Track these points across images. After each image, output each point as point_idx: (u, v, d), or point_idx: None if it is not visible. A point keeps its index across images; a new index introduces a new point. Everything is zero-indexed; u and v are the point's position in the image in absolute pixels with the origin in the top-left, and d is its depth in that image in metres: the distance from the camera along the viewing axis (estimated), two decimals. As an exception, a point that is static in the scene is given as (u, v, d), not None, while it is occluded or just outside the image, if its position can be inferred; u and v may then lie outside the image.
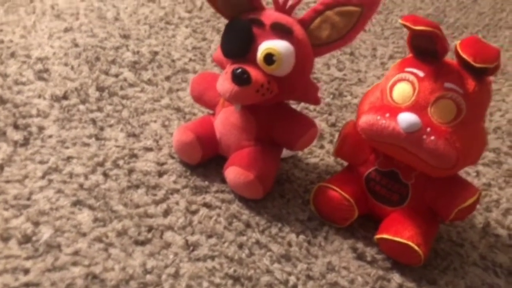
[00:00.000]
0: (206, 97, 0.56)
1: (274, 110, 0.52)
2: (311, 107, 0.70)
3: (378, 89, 0.49)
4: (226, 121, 0.53)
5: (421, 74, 0.46)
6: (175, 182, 0.52)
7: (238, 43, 0.49)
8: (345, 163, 0.57)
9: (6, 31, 0.68)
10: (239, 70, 0.47)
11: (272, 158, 0.53)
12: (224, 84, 0.48)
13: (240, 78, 0.47)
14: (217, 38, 0.80)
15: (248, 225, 0.49)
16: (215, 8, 0.52)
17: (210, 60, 0.74)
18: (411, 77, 0.46)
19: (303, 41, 0.49)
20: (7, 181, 0.47)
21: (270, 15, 0.49)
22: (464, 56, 0.43)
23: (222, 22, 0.85)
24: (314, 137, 0.53)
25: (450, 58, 0.47)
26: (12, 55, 0.64)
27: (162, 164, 0.54)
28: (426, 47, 0.46)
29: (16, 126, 0.53)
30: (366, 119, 0.46)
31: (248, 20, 0.49)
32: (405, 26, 0.45)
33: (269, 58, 0.47)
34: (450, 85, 0.45)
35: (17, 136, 0.52)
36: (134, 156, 0.54)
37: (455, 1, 1.18)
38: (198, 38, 0.79)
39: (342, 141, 0.52)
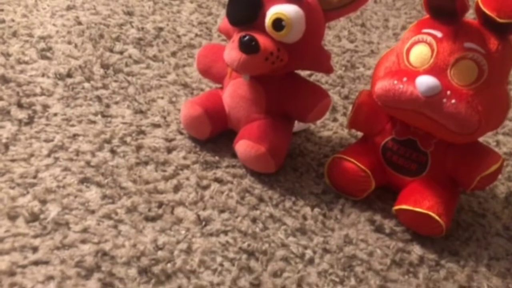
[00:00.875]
0: (213, 70, 0.54)
1: (284, 81, 0.50)
2: (323, 79, 0.67)
3: (393, 53, 0.47)
4: (234, 94, 0.51)
5: (439, 34, 0.43)
6: (184, 158, 0.50)
7: (245, 9, 0.46)
8: (360, 135, 0.55)
9: (7, 10, 0.66)
10: (247, 37, 0.45)
11: (284, 130, 0.51)
12: (231, 53, 0.46)
13: (247, 46, 0.45)
14: (223, 13, 0.78)
15: (261, 199, 0.48)
16: (220, -25, 0.49)
17: (217, 35, 0.72)
18: (429, 39, 0.44)
19: (313, 5, 0.47)
20: (13, 160, 0.46)
21: (278, -21, 0.47)
22: (487, 11, 0.40)
23: (228, -3, 0.82)
24: (327, 108, 0.51)
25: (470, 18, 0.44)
26: (14, 34, 0.62)
27: (171, 140, 0.52)
28: (443, 6, 0.43)
29: (20, 105, 0.52)
30: (382, 85, 0.44)
31: (255, -14, 0.47)
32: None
33: (278, 23, 0.45)
34: (470, 45, 0.42)
35: (22, 115, 0.50)
36: (141, 132, 0.52)
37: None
38: (204, 13, 0.77)
39: (356, 111, 0.50)
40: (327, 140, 0.57)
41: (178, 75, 0.62)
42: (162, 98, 0.58)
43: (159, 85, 0.60)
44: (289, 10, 0.45)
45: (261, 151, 0.48)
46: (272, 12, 0.45)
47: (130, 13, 0.72)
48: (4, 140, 0.47)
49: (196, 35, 0.71)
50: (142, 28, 0.69)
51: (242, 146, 0.49)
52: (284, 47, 0.46)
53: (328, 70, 0.50)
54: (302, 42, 0.47)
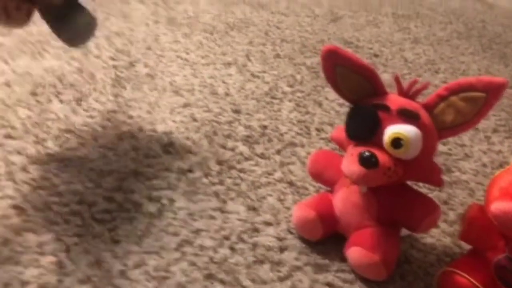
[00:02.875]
0: (325, 176, 0.58)
1: (395, 191, 0.53)
2: (420, 183, 0.69)
3: (509, 173, 0.49)
4: (346, 200, 0.54)
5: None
6: (296, 258, 0.53)
7: (366, 127, 0.51)
8: (464, 245, 0.55)
9: (134, 107, 0.75)
10: (367, 153, 0.49)
11: (394, 239, 0.53)
12: (351, 166, 0.50)
13: (368, 161, 0.48)
14: (318, 111, 0.83)
15: (373, 307, 0.49)
16: (338, 92, 0.55)
17: (315, 133, 0.77)
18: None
19: (429, 126, 0.50)
20: (147, 252, 0.51)
21: (395, 100, 0.51)
22: None
23: (322, 96, 0.88)
24: (437, 219, 0.53)
25: None
26: (140, 129, 0.70)
27: (282, 239, 0.56)
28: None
29: (150, 198, 0.57)
30: (500, 206, 0.45)
31: (373, 105, 0.51)
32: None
33: (397, 142, 0.49)
34: None
35: (152, 208, 0.56)
36: (255, 230, 0.56)
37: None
38: (302, 111, 0.83)
39: (468, 226, 0.51)
40: (431, 247, 0.58)
41: (283, 173, 0.67)
42: (271, 195, 0.62)
43: (267, 183, 0.64)
44: (408, 131, 0.49)
45: (374, 260, 0.50)
46: (391, 131, 0.49)
47: (237, 111, 0.79)
48: (139, 233, 0.53)
49: (297, 133, 0.76)
50: (249, 126, 0.75)
51: (355, 253, 0.51)
52: (399, 162, 0.50)
53: (438, 183, 0.53)
54: (418, 158, 0.50)
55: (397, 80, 0.53)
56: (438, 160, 0.76)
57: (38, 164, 0.59)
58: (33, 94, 0.73)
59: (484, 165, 0.76)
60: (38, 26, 0.76)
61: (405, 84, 0.53)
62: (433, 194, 0.68)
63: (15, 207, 0.53)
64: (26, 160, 0.59)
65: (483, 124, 0.88)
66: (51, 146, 0.63)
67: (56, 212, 0.53)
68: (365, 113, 0.51)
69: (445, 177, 0.72)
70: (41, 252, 0.48)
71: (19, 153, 0.61)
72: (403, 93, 0.52)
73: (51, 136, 0.65)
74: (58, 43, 0.72)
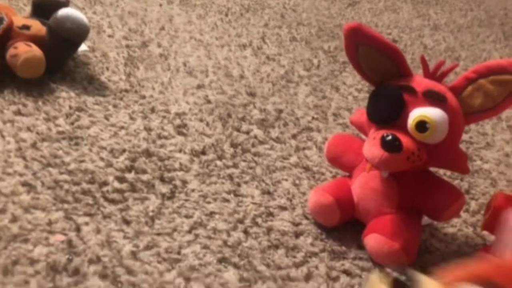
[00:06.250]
0: (343, 160, 0.56)
1: (418, 177, 0.51)
2: (441, 171, 0.67)
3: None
4: (365, 186, 0.52)
5: None
6: (312, 244, 0.51)
7: (388, 110, 0.48)
8: (487, 236, 0.53)
9: (146, 87, 0.73)
10: (390, 136, 0.46)
11: (415, 227, 0.51)
12: (372, 150, 0.47)
13: (391, 145, 0.46)
14: (336, 96, 0.81)
15: (391, 297, 0.47)
16: (360, 73, 0.52)
17: (332, 118, 0.75)
18: None
19: (456, 109, 0.48)
20: (158, 234, 0.49)
21: (421, 82, 0.49)
22: None
23: (339, 81, 0.86)
24: (461, 208, 0.51)
25: None
26: (153, 110, 0.68)
27: (297, 224, 0.54)
28: None
29: (162, 179, 0.56)
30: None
31: (399, 87, 0.49)
32: None
33: (422, 125, 0.46)
34: None
35: (164, 189, 0.55)
36: (270, 214, 0.54)
37: None
38: (318, 96, 0.80)
39: (492, 216, 0.49)
40: (452, 238, 0.56)
41: (299, 158, 0.65)
42: (286, 180, 0.60)
43: (283, 167, 0.62)
44: (434, 113, 0.46)
45: (395, 247, 0.48)
46: (417, 114, 0.47)
47: (252, 94, 0.76)
48: (150, 213, 0.51)
49: (313, 118, 0.74)
50: (264, 110, 0.73)
51: (374, 240, 0.49)
52: (424, 146, 0.47)
53: (464, 170, 0.50)
54: (443, 143, 0.47)
55: (423, 61, 0.50)
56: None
57: (48, 141, 0.58)
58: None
59: (507, 155, 0.73)
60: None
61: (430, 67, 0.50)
62: (454, 183, 0.65)
63: (25, 184, 0.51)
64: (36, 137, 0.58)
65: (506, 113, 0.85)
66: (62, 123, 0.61)
67: (67, 191, 0.51)
68: (390, 95, 0.49)
69: (466, 166, 0.69)
70: (50, 230, 0.47)
71: (29, 130, 0.59)
72: (429, 74, 0.50)
73: (62, 114, 0.63)
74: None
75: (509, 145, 0.76)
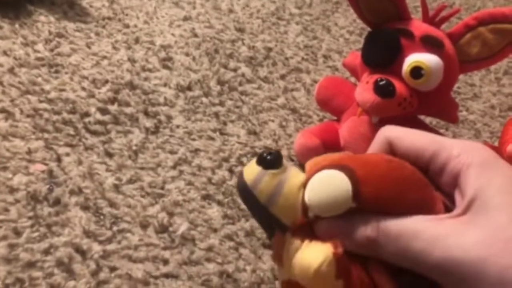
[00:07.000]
0: (333, 103, 0.55)
1: (408, 124, 0.50)
2: (426, 120, 0.67)
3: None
4: (354, 130, 0.52)
5: None
6: (296, 186, 0.52)
7: (384, 53, 0.47)
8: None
9: (130, 16, 0.69)
10: (384, 81, 0.45)
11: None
12: (365, 94, 0.46)
13: (384, 90, 0.45)
14: (327, 37, 0.79)
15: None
16: (358, 14, 0.50)
17: (322, 60, 0.73)
18: None
19: (452, 56, 0.47)
20: (142, 168, 0.48)
21: (419, 26, 0.47)
22: None
23: (331, 21, 0.83)
24: (446, 157, 0.51)
25: None
26: (137, 40, 0.65)
27: (282, 165, 0.54)
28: None
29: (146, 113, 0.54)
30: (517, 147, 0.43)
31: (396, 30, 0.47)
32: None
33: (417, 71, 0.45)
34: None
35: (148, 123, 0.53)
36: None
37: None
38: (309, 36, 0.78)
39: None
40: (432, 185, 0.57)
41: (287, 99, 0.63)
42: (272, 121, 0.59)
43: (269, 108, 0.61)
44: (430, 60, 0.45)
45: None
46: (412, 60, 0.45)
47: (241, 30, 0.74)
48: (134, 147, 0.50)
49: (303, 58, 0.72)
50: (253, 47, 0.71)
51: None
52: (415, 93, 0.47)
53: (453, 119, 0.50)
54: (435, 91, 0.47)
55: (423, 3, 0.48)
56: (446, 98, 0.73)
57: (26, 67, 0.55)
58: (21, -8, 0.67)
59: (493, 107, 0.73)
60: None
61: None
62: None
63: (3, 110, 0.49)
64: (14, 62, 0.55)
65: (495, 65, 0.85)
66: (41, 49, 0.58)
67: (47, 120, 0.49)
68: (387, 38, 0.47)
69: (452, 116, 0.69)
70: (30, 159, 0.45)
71: (6, 54, 0.56)
72: (428, 19, 0.48)
73: (41, 39, 0.60)
74: None
75: (495, 97, 0.76)
